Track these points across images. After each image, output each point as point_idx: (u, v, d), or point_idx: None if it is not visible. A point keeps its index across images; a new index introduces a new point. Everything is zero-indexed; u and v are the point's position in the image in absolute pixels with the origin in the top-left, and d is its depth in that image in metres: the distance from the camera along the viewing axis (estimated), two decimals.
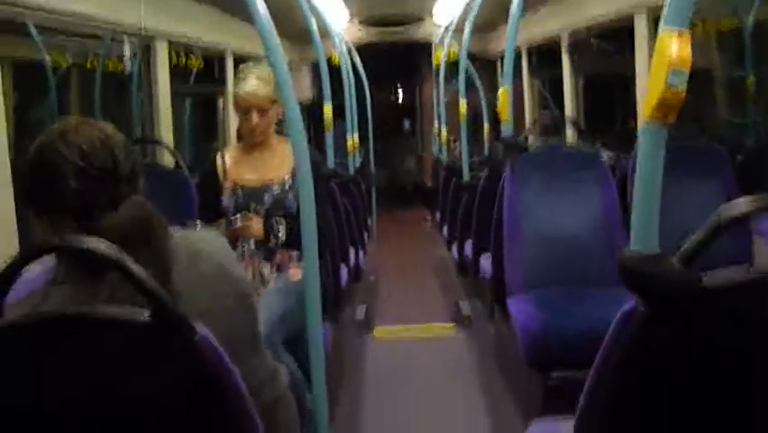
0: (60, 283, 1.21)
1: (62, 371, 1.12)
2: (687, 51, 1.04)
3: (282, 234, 2.53)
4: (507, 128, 3.18)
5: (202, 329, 1.13)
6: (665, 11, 1.03)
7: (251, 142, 2.63)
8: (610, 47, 5.04)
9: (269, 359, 1.51)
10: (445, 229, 6.00)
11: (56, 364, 1.11)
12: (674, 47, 1.03)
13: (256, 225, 2.51)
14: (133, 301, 1.10)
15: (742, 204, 1.11)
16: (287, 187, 2.59)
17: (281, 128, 2.64)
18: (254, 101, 2.53)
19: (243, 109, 2.55)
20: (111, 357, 1.12)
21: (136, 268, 1.09)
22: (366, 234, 5.97)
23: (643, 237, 1.11)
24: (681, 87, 1.04)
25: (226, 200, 2.60)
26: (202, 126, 5.98)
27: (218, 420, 1.18)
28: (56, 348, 1.11)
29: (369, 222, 6.90)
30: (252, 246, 2.57)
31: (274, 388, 1.49)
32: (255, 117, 2.55)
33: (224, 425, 1.19)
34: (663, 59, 1.02)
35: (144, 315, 1.09)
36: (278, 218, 2.55)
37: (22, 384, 1.13)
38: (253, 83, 2.53)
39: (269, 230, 2.53)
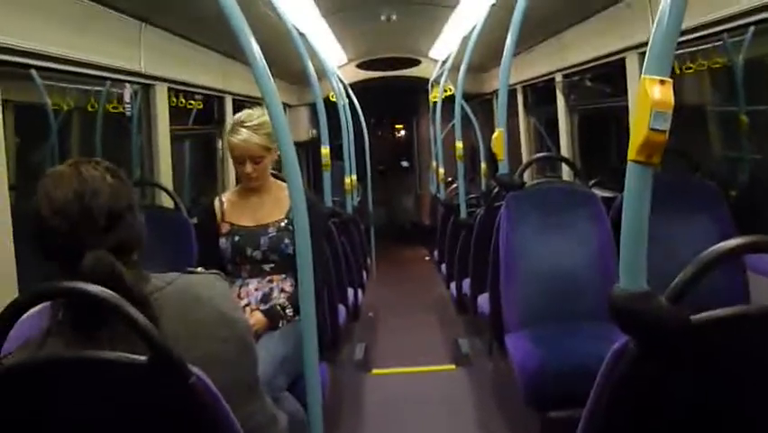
0: (56, 333, 1.22)
1: (62, 412, 1.13)
2: (669, 95, 1.07)
3: (290, 311, 2.55)
4: (503, 167, 3.22)
5: (197, 372, 1.15)
6: (646, 61, 1.07)
7: (247, 187, 2.68)
8: (605, 87, 5.10)
9: (267, 404, 1.52)
10: (444, 267, 6.00)
11: (55, 406, 1.13)
12: (656, 90, 1.06)
13: (258, 322, 2.50)
14: (132, 350, 1.13)
15: (729, 243, 1.14)
16: (282, 229, 2.62)
17: (279, 169, 2.69)
18: (247, 150, 2.57)
19: (238, 158, 2.60)
20: (109, 398, 1.15)
21: (135, 313, 1.11)
22: (365, 274, 5.97)
23: (631, 275, 1.13)
24: (665, 128, 1.07)
25: (224, 243, 2.63)
26: (201, 167, 6.01)
27: None
28: (55, 391, 1.13)
29: (368, 261, 6.91)
30: (254, 305, 2.59)
31: (272, 431, 1.49)
32: (249, 166, 2.59)
33: None
34: (646, 102, 1.06)
35: (142, 358, 1.12)
36: (278, 305, 2.56)
37: (22, 426, 1.14)
38: (245, 133, 2.57)
39: (273, 321, 2.54)
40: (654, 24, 1.12)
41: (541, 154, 5.30)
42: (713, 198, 2.99)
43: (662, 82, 1.06)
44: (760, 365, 1.17)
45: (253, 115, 2.62)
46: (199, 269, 1.59)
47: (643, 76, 1.06)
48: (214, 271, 1.53)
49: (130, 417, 1.14)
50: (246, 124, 2.58)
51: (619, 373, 1.17)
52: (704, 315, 1.13)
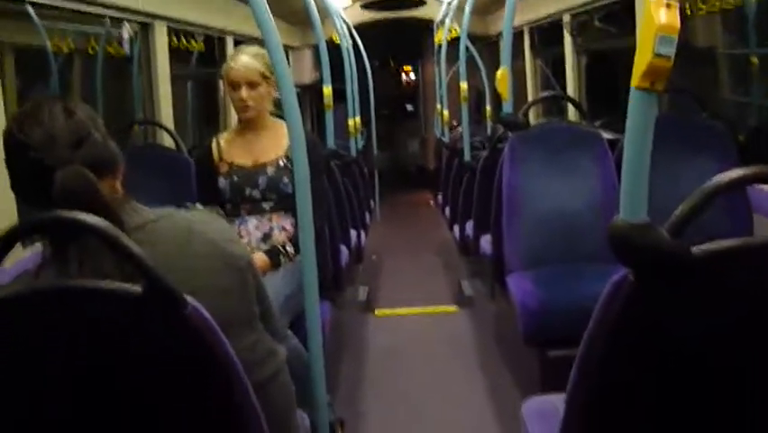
0: (49, 265, 1.22)
1: (57, 342, 1.13)
2: (675, 18, 1.03)
3: (291, 249, 2.54)
4: (507, 106, 3.17)
5: (193, 302, 1.14)
6: None
7: (243, 120, 2.64)
8: (613, 27, 4.99)
9: (266, 338, 1.51)
10: (447, 210, 6.00)
11: (50, 336, 1.13)
12: (662, 13, 1.02)
13: (261, 262, 2.49)
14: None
15: (732, 173, 1.11)
16: (281, 168, 2.60)
17: (280, 111, 2.65)
18: (243, 73, 2.54)
19: (233, 83, 2.56)
20: (104, 329, 1.14)
21: (131, 244, 1.10)
22: (368, 216, 5.97)
23: (631, 206, 1.11)
24: (670, 54, 1.03)
25: (222, 183, 2.61)
26: (204, 108, 5.98)
27: (211, 390, 1.19)
28: (51, 320, 1.12)
29: (372, 204, 6.90)
30: (254, 244, 2.58)
31: (270, 366, 1.49)
32: (245, 91, 2.55)
33: (216, 395, 1.20)
34: (651, 26, 1.02)
35: (136, 288, 1.11)
36: (278, 245, 2.56)
37: (17, 356, 1.14)
38: (243, 58, 2.55)
39: (275, 261, 2.53)
40: None
41: (546, 93, 5.21)
42: (720, 138, 2.95)
43: (668, 6, 1.02)
44: (763, 300, 1.15)
45: (253, 46, 2.62)
46: (197, 205, 1.59)
47: None
48: (213, 207, 1.52)
49: (123, 348, 1.13)
50: (245, 51, 2.58)
51: (617, 306, 1.15)
52: (705, 246, 1.10)
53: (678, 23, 1.01)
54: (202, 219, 1.40)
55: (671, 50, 1.02)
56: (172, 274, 1.16)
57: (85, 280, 1.14)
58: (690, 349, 1.18)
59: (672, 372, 1.19)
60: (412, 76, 10.98)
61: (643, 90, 1.05)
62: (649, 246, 1.07)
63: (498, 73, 3.14)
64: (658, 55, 1.02)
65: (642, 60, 1.03)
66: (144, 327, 1.13)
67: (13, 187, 1.26)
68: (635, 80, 1.05)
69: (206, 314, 1.16)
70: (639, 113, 1.06)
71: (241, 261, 1.41)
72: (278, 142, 2.63)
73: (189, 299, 1.14)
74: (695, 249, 1.10)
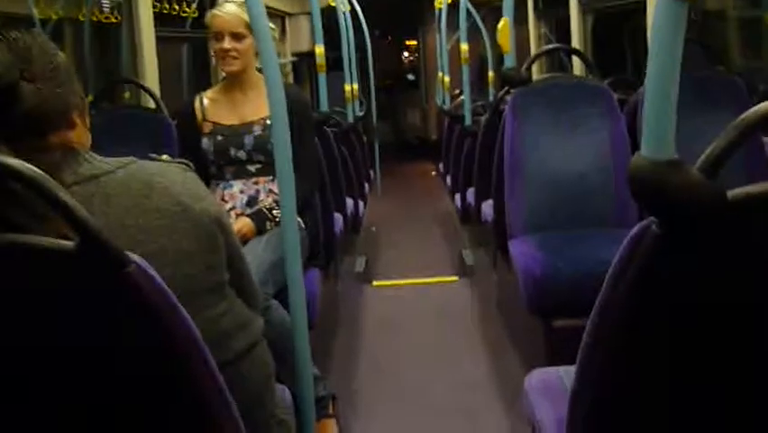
0: None
1: None
2: None
3: (277, 212, 2.39)
4: (508, 59, 2.98)
5: (138, 260, 0.97)
6: None
7: (227, 75, 2.50)
8: None
9: (240, 308, 1.38)
10: (449, 179, 5.87)
11: None
12: None
13: (245, 227, 2.36)
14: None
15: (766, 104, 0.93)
16: (269, 127, 2.43)
17: None
18: (228, 21, 2.40)
19: (217, 33, 2.42)
20: (37, 288, 0.98)
21: (63, 194, 0.93)
22: (367, 186, 5.85)
23: (657, 140, 0.92)
24: None
25: (205, 143, 2.48)
26: (198, 72, 5.88)
27: (160, 363, 1.03)
28: None
29: (371, 175, 6.76)
30: (239, 209, 2.46)
31: (243, 339, 1.37)
32: (228, 41, 2.41)
33: (169, 368, 1.03)
34: None
35: (69, 244, 0.94)
36: (264, 208, 2.43)
37: None
38: (229, 6, 2.42)
39: (260, 225, 2.39)
40: None
41: (552, 45, 4.99)
42: (738, 94, 2.78)
43: None
44: None
45: None
46: (164, 156, 1.42)
47: None
48: (181, 160, 1.36)
49: (52, 314, 0.97)
50: (231, 0, 2.43)
51: (638, 263, 0.97)
52: (743, 189, 0.92)
53: None
54: (166, 171, 1.24)
55: None
56: (125, 231, 1.05)
57: (12, 235, 0.97)
58: (723, 315, 1.01)
59: (702, 341, 1.01)
60: (413, 47, 10.80)
61: None
62: (679, 188, 0.89)
63: (500, 24, 2.94)
64: None
65: None
66: (77, 289, 0.96)
67: None
68: None
69: (154, 273, 0.99)
70: (667, 25, 0.88)
71: (207, 219, 1.25)
72: (265, 101, 2.45)
73: (134, 257, 0.97)
74: (731, 192, 0.92)
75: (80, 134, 1.20)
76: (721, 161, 0.91)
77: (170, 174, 1.24)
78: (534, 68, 4.88)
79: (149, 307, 0.98)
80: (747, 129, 0.92)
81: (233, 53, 2.42)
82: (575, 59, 4.38)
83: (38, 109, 1.11)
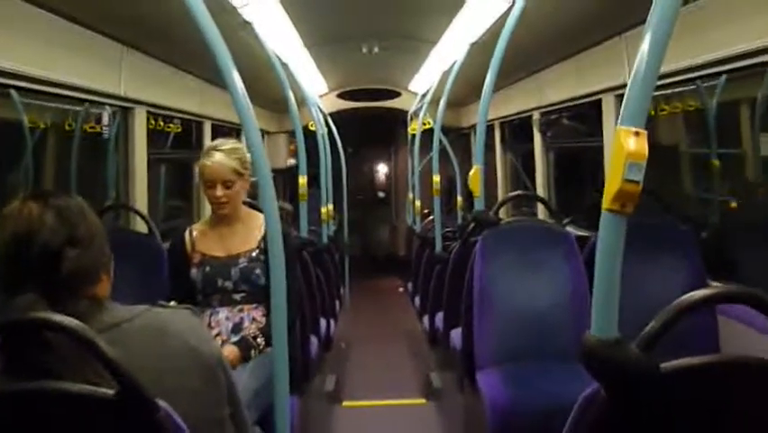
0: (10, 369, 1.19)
1: None
2: (644, 146, 1.09)
3: (261, 340, 2.53)
4: (478, 203, 3.24)
5: (165, 406, 1.13)
6: (622, 112, 1.09)
7: (218, 215, 2.65)
8: (581, 126, 5.17)
9: None
10: (417, 300, 5.98)
11: None
12: (631, 141, 1.08)
13: (231, 354, 2.47)
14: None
15: (701, 293, 1.15)
16: (254, 260, 2.61)
17: (254, 198, 2.67)
18: (218, 173, 2.56)
19: (208, 181, 2.58)
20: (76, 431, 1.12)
21: (107, 347, 1.09)
22: (338, 304, 5.92)
23: (603, 322, 1.14)
24: (639, 179, 1.08)
25: (195, 273, 2.61)
26: (177, 191, 5.97)
27: None
28: (15, 425, 1.10)
29: (341, 291, 6.85)
30: (224, 336, 2.56)
31: None
32: (220, 189, 2.57)
33: None
34: (621, 153, 1.07)
35: (110, 392, 1.10)
36: (249, 336, 2.54)
37: None
38: (217, 156, 2.56)
39: (245, 353, 2.50)
40: (631, 75, 1.14)
41: (516, 193, 5.34)
42: (685, 243, 3.02)
43: (636, 134, 1.08)
44: (729, 415, 1.18)
45: (228, 141, 2.65)
46: (171, 303, 1.58)
47: (618, 127, 1.08)
48: (187, 306, 1.51)
49: None
50: (219, 148, 2.58)
51: (589, 420, 1.17)
52: (673, 363, 1.13)
53: (646, 151, 1.07)
54: (176, 319, 1.39)
55: (639, 176, 1.07)
56: (143, 374, 1.15)
57: (56, 382, 1.12)
58: None
59: None
60: (385, 166, 11.16)
61: (613, 213, 1.09)
62: (618, 363, 1.10)
63: (471, 172, 3.23)
64: (628, 180, 1.07)
65: (612, 185, 1.08)
66: (115, 430, 1.12)
67: None
68: (606, 203, 1.09)
69: (178, 418, 1.15)
70: (610, 234, 1.10)
71: (212, 361, 1.40)
72: (251, 234, 2.65)
73: (161, 403, 1.13)
74: (663, 365, 1.13)
75: (104, 287, 1.35)
76: (656, 339, 1.13)
77: (182, 320, 1.39)
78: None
79: None
80: (681, 312, 1.14)
81: (225, 200, 2.58)
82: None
83: (76, 272, 1.26)
